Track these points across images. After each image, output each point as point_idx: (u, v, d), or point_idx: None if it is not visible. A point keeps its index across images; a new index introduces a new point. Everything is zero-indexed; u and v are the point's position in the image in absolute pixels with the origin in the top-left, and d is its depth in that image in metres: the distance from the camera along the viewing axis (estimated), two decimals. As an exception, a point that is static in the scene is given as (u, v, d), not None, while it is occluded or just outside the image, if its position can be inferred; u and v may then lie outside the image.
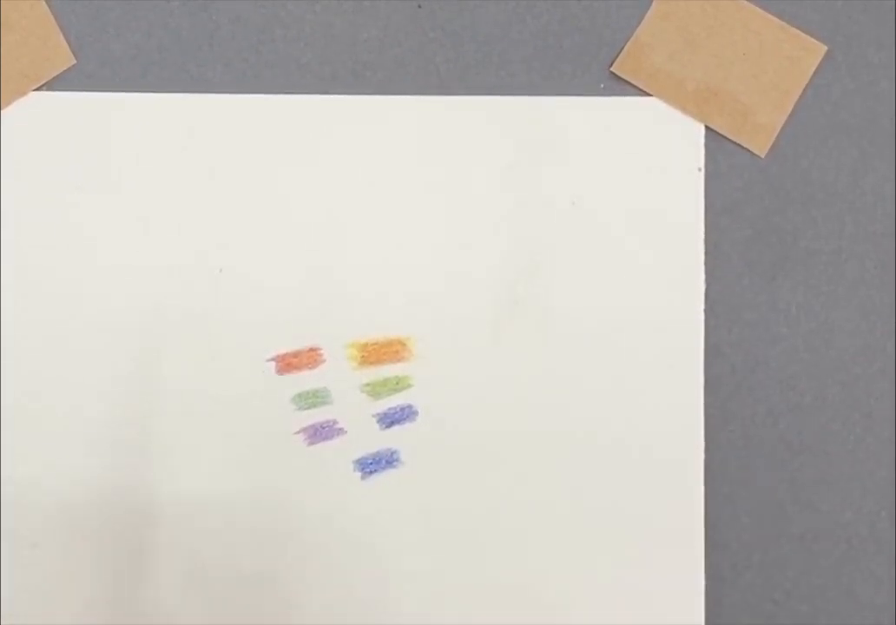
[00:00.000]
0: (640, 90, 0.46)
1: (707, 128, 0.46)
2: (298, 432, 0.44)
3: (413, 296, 0.45)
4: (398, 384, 0.45)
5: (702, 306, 0.46)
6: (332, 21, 0.45)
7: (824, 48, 0.46)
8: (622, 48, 0.45)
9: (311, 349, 0.44)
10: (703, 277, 0.46)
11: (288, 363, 0.44)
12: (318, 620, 0.44)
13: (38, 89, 0.44)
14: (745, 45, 0.45)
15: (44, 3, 0.44)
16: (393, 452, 0.44)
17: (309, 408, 0.44)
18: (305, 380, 0.44)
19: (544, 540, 0.44)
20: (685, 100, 0.45)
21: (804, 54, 0.46)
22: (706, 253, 0.46)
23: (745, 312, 0.46)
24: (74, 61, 0.44)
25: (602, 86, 0.46)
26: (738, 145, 0.46)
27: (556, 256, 0.45)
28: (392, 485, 0.44)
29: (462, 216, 0.45)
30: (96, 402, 0.43)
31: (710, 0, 0.46)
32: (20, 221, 0.44)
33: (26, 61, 0.44)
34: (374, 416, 0.45)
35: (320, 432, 0.44)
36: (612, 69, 0.45)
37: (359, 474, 0.44)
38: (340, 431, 0.44)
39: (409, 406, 0.45)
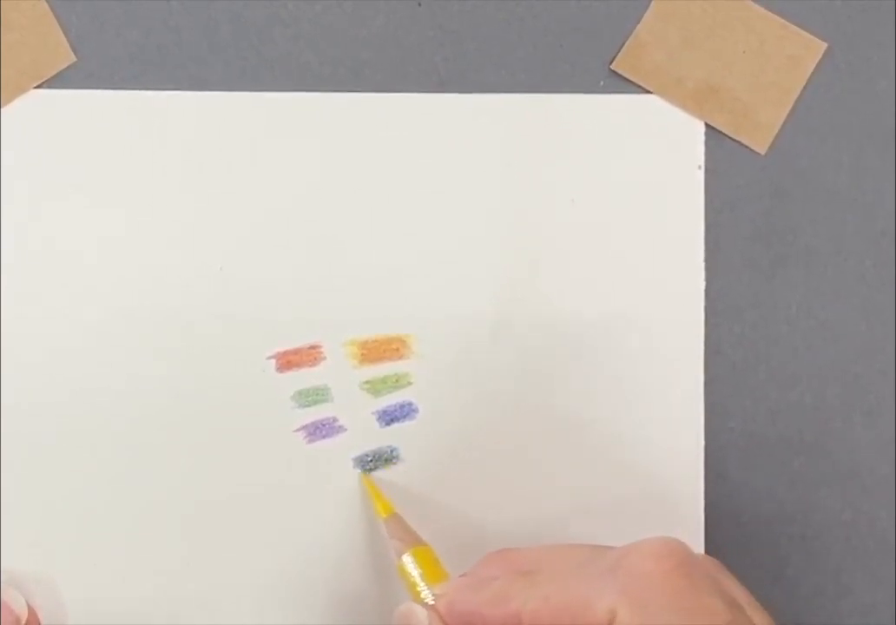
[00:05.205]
0: (640, 88, 0.46)
1: (707, 125, 0.46)
2: (298, 430, 0.44)
3: (413, 294, 0.45)
4: (398, 382, 0.45)
5: (702, 306, 0.46)
6: (332, 20, 0.45)
7: (824, 46, 0.46)
8: (622, 46, 0.46)
9: (312, 347, 0.44)
10: (703, 275, 0.46)
11: (288, 361, 0.44)
12: (316, 618, 0.44)
13: (38, 87, 0.44)
14: (745, 42, 0.46)
15: (44, 1, 0.44)
16: (393, 450, 0.44)
17: (309, 406, 0.44)
18: (305, 377, 0.44)
19: (544, 538, 0.44)
20: (685, 97, 0.46)
21: (804, 52, 0.46)
22: (706, 252, 0.46)
23: (745, 312, 0.46)
24: (74, 59, 0.44)
25: (602, 83, 0.46)
26: (739, 143, 0.46)
27: (555, 254, 0.45)
28: (391, 482, 0.44)
29: (462, 214, 0.45)
30: (94, 400, 0.43)
31: (710, -1, 0.46)
32: (20, 219, 0.44)
33: (26, 59, 0.44)
34: (373, 413, 0.45)
35: (320, 430, 0.44)
36: (611, 67, 0.46)
37: (358, 472, 0.44)
38: (340, 428, 0.44)
39: (409, 403, 0.45)
